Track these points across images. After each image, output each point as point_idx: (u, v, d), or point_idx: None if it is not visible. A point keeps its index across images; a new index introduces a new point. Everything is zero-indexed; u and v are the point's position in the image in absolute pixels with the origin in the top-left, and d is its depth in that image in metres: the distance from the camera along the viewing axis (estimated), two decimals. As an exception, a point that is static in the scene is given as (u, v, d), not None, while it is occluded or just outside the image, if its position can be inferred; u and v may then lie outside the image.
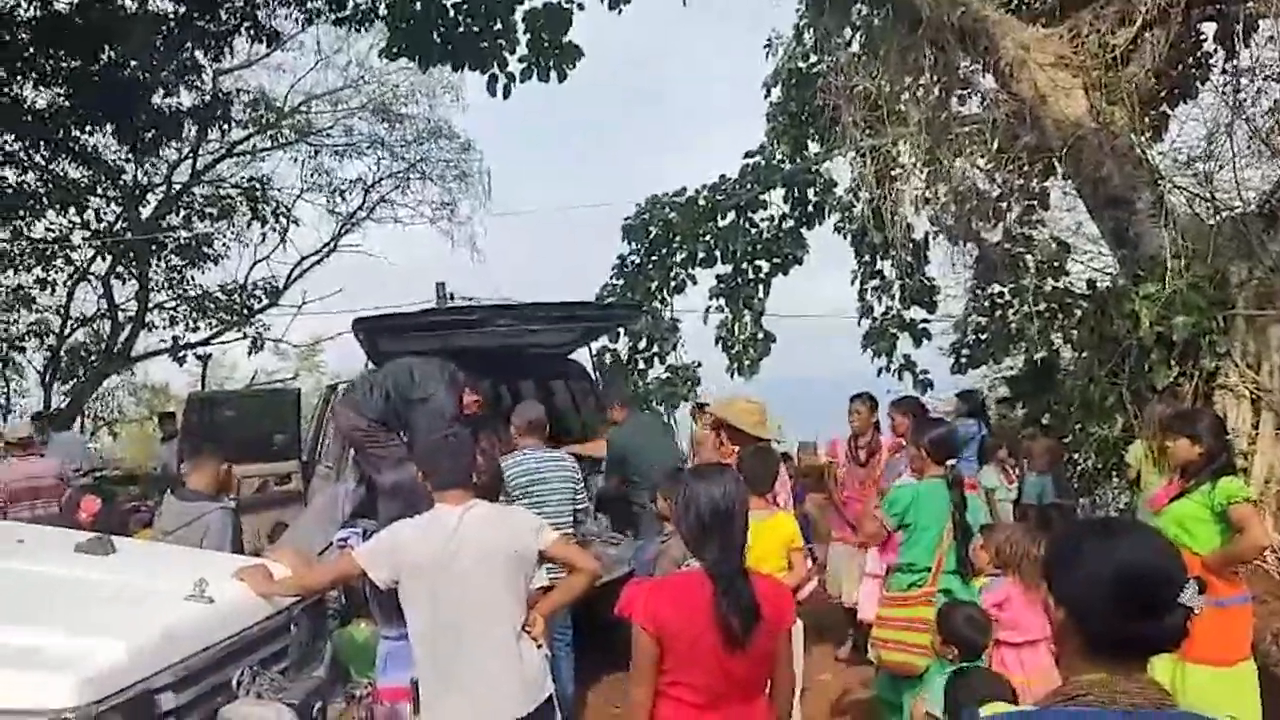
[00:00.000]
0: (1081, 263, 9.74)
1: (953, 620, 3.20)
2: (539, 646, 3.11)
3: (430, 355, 6.08)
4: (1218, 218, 7.26)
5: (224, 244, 16.74)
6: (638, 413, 6.22)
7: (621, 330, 11.30)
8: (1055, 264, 9.28)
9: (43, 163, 14.32)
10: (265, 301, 17.39)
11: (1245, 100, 7.96)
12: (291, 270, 17.93)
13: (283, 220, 17.05)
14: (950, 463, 4.03)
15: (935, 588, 3.91)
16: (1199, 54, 8.46)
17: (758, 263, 11.86)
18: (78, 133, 14.06)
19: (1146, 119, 8.11)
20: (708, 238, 11.84)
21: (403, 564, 2.97)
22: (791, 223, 11.88)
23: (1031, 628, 3.59)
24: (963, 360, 10.34)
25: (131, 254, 15.61)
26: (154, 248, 15.75)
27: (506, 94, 10.23)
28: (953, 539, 3.96)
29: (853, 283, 11.27)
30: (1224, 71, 8.05)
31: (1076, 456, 8.08)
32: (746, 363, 11.59)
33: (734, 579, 2.46)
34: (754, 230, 11.88)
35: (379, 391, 5.21)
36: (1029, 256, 9.41)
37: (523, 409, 5.23)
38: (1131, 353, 6.78)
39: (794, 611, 2.64)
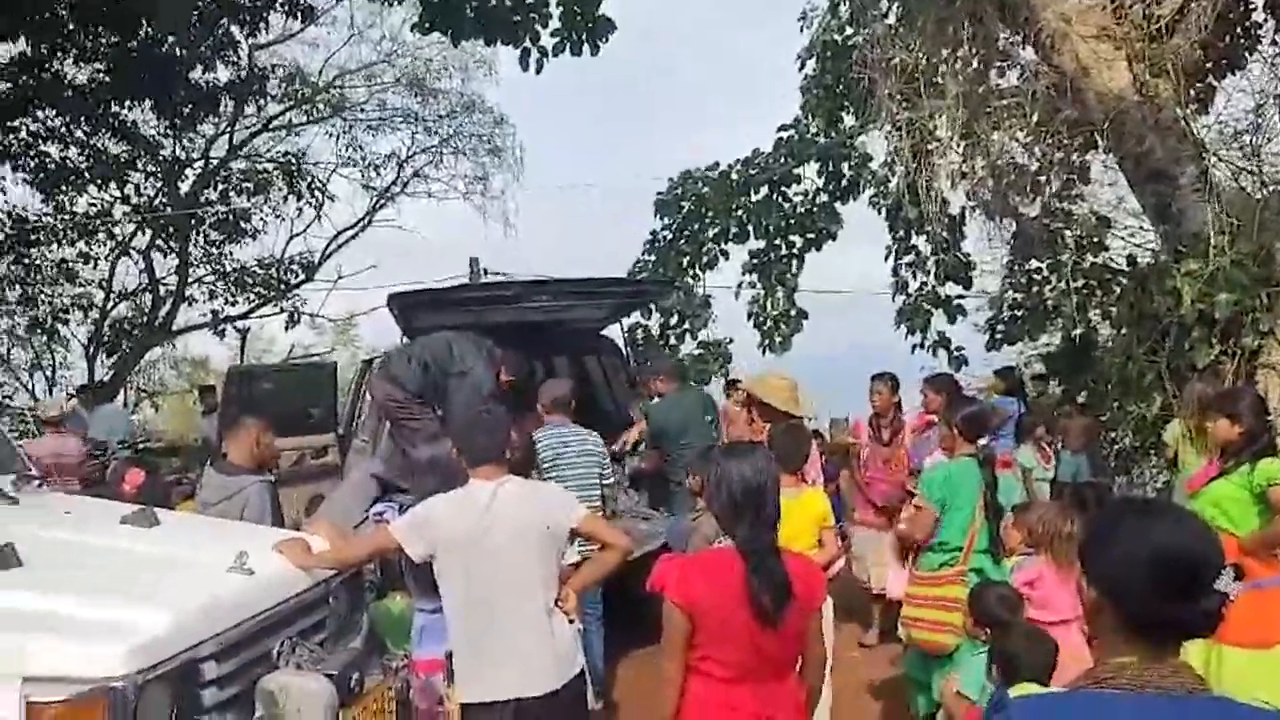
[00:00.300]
0: (1122, 238, 9.56)
1: (985, 600, 3.19)
2: (571, 621, 3.15)
3: (465, 330, 6.13)
4: (1264, 192, 7.08)
5: (261, 219, 16.99)
6: (684, 387, 6.14)
7: (653, 306, 11.29)
8: (1094, 239, 9.12)
9: (84, 138, 14.54)
10: (301, 276, 17.60)
11: (1293, 70, 7.75)
12: (326, 245, 18.13)
13: (318, 195, 17.22)
14: (982, 441, 4.00)
15: (966, 567, 3.90)
16: (1247, 24, 8.22)
17: (791, 238, 11.79)
18: (117, 108, 14.25)
19: (1192, 91, 7.91)
20: (740, 213, 11.78)
21: (437, 539, 3.02)
22: (825, 197, 11.78)
23: (1063, 607, 3.58)
24: (998, 337, 10.23)
25: (171, 228, 15.87)
26: (193, 222, 15.98)
27: (539, 68, 10.19)
28: (984, 518, 3.94)
29: (887, 258, 11.16)
30: (1273, 42, 7.83)
31: (1114, 435, 7.98)
32: (778, 339, 11.56)
33: (766, 557, 2.48)
34: (787, 205, 11.80)
35: (417, 364, 5.23)
36: (1067, 232, 9.25)
37: (549, 385, 5.28)
38: (1172, 330, 6.66)
39: (825, 590, 2.66)
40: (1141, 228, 9.16)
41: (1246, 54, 8.14)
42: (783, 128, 11.96)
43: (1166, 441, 6.00)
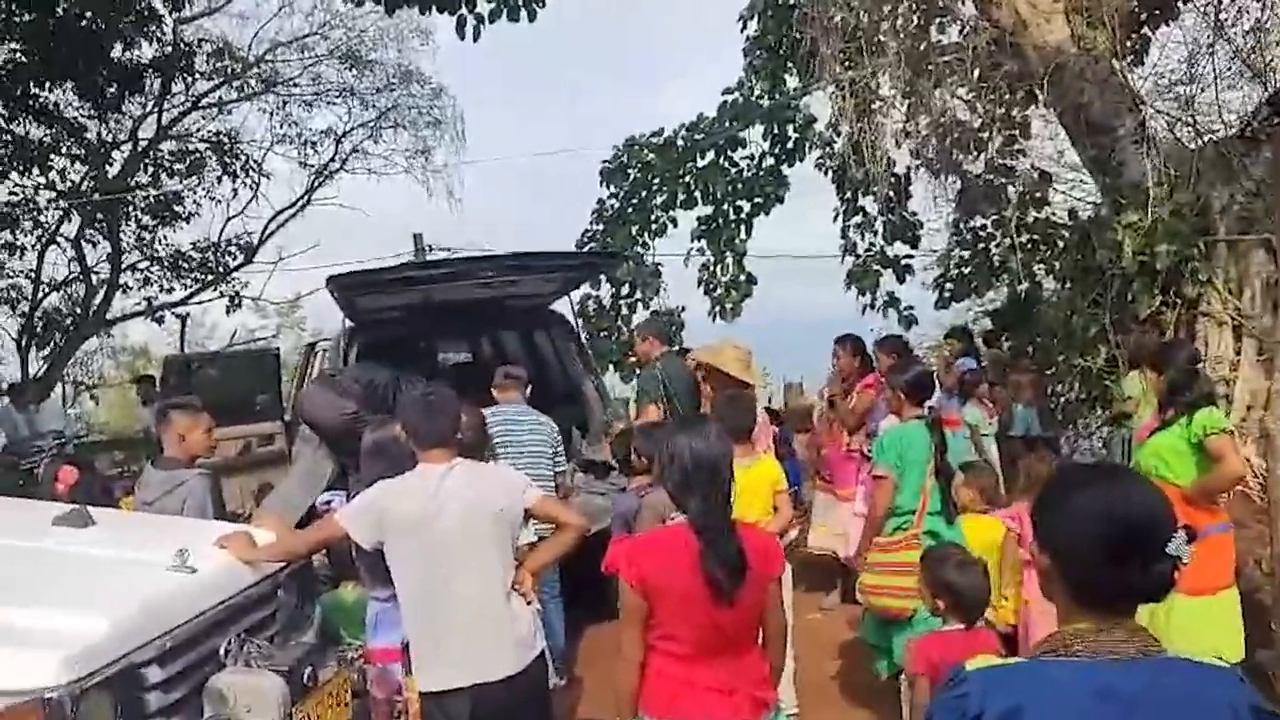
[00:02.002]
0: (1063, 193, 9.65)
1: (941, 569, 3.17)
2: (529, 603, 3.10)
3: (408, 310, 6.01)
4: (1199, 142, 7.18)
5: (195, 201, 16.47)
6: (672, 354, 6.03)
7: (603, 277, 11.20)
8: (1037, 194, 9.21)
9: (3, 122, 13.93)
10: (240, 259, 17.16)
11: (1226, 20, 7.83)
12: (265, 226, 17.67)
13: (253, 174, 16.75)
14: (929, 404, 4.00)
15: (920, 530, 3.91)
16: (1180, -28, 8.29)
17: (739, 203, 11.74)
18: (37, 90, 13.68)
19: (1128, 42, 7.97)
20: (687, 179, 11.69)
21: (386, 524, 2.94)
22: (771, 161, 11.73)
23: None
24: (946, 295, 10.32)
25: (100, 214, 15.31)
26: (123, 207, 15.44)
27: (476, 36, 9.94)
28: (935, 480, 3.96)
29: (835, 220, 11.17)
30: (1206, -10, 7.89)
31: (1060, 388, 8.11)
32: (729, 305, 11.54)
33: (720, 532, 2.44)
34: (734, 170, 11.74)
35: (360, 384, 5.04)
36: (1011, 187, 9.33)
37: (503, 368, 5.22)
38: (1114, 282, 6.76)
39: (782, 560, 2.63)
40: (1082, 181, 9.26)
41: (1180, 3, 8.20)
42: (727, 91, 11.85)
43: (1130, 395, 6.07)
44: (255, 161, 16.92)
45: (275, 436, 7.43)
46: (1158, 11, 8.41)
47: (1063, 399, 8.10)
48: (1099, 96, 7.15)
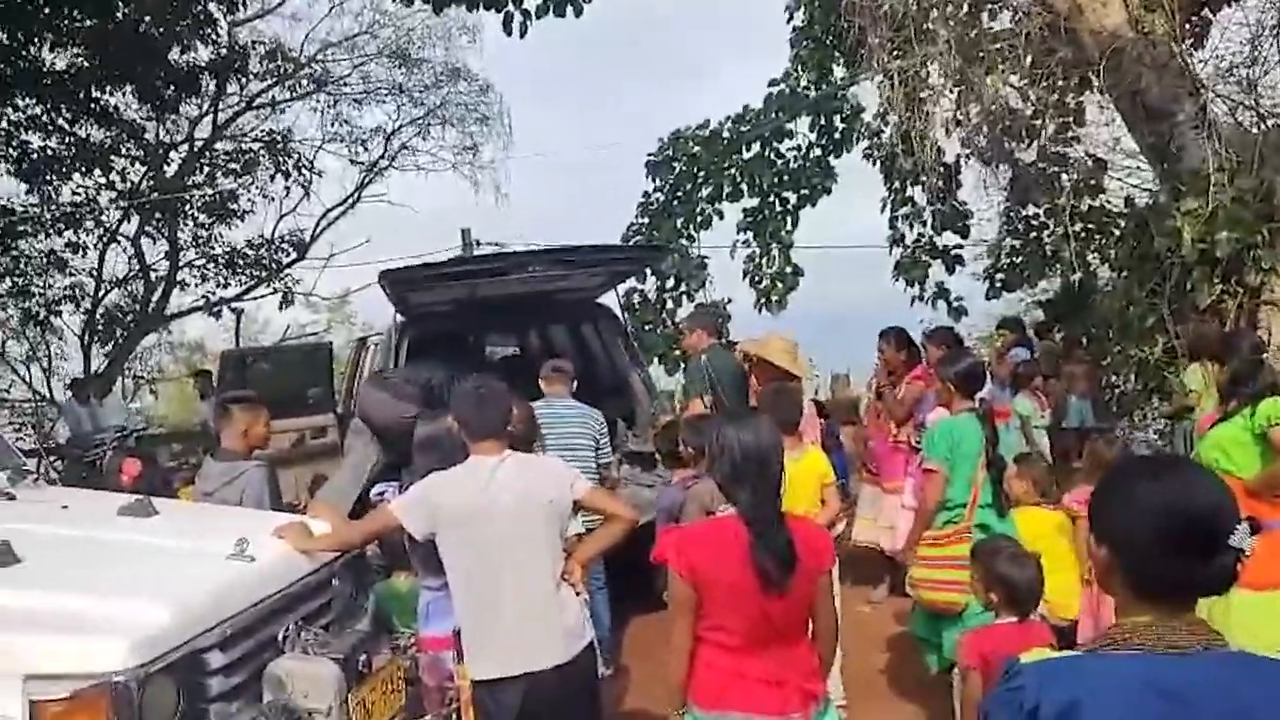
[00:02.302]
0: (1119, 180, 9.44)
1: (994, 562, 3.13)
2: (578, 594, 3.12)
3: (458, 304, 6.07)
4: (1262, 126, 6.98)
5: (249, 199, 16.79)
6: (719, 347, 5.92)
7: (649, 270, 11.21)
8: (1092, 182, 9.01)
9: (65, 125, 14.34)
10: (293, 255, 17.47)
11: (1291, 0, 7.59)
12: (317, 223, 17.99)
13: (305, 172, 17.03)
14: (980, 396, 3.94)
15: (971, 523, 3.87)
16: (1243, -47, 8.04)
17: (785, 194, 11.67)
18: (98, 93, 14.04)
19: (1187, 26, 7.75)
20: (733, 171, 11.65)
21: (438, 515, 2.98)
22: (818, 152, 11.63)
23: None
24: (997, 285, 10.15)
25: (159, 213, 15.70)
26: (180, 206, 15.82)
27: (524, 33, 10.00)
28: (986, 473, 3.90)
29: (883, 211, 11.04)
30: (1270, -29, 7.65)
31: (1115, 379, 7.94)
32: (775, 297, 11.48)
33: (770, 524, 2.44)
34: (780, 161, 11.66)
35: (414, 385, 5.12)
36: (1064, 175, 9.14)
37: (550, 361, 5.27)
38: (1172, 271, 6.59)
39: (833, 553, 2.62)
40: (1139, 168, 9.04)
41: (1243, -15, 7.96)
42: (773, 82, 11.77)
43: (1191, 387, 5.92)
44: (307, 160, 17.23)
45: (328, 429, 7.56)
46: (1221, -8, 8.18)
47: (1118, 390, 7.92)
48: (1157, 81, 6.98)
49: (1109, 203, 9.08)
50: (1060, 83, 8.35)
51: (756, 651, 2.45)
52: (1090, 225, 8.99)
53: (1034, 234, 9.73)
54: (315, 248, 17.91)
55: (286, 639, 3.03)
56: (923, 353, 5.81)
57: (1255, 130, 6.96)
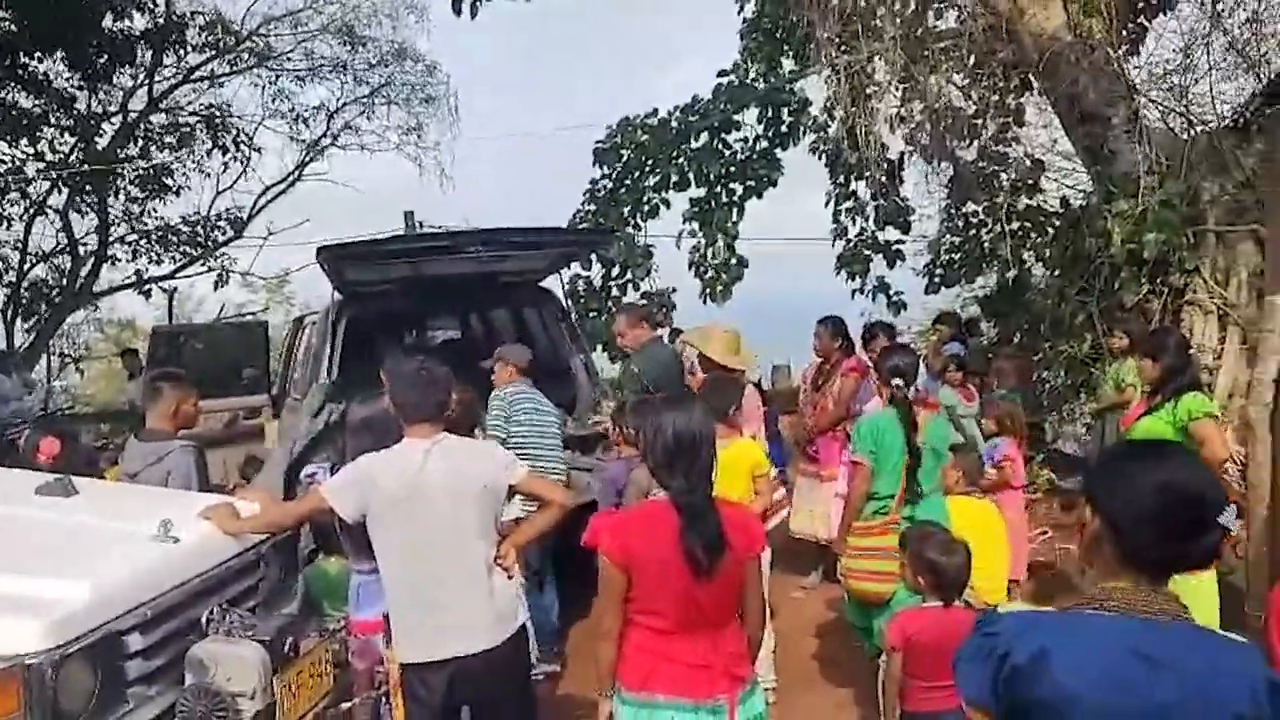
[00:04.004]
0: (1056, 180, 9.67)
1: (924, 547, 3.19)
2: (510, 578, 3.11)
3: (398, 284, 5.99)
4: (1192, 133, 7.19)
5: (184, 174, 16.24)
6: (656, 340, 5.86)
7: (595, 257, 11.18)
8: (1029, 182, 9.23)
9: (-9, 92, 13.77)
10: (230, 233, 16.99)
11: (1223, 11, 7.83)
12: (255, 200, 17.48)
13: (244, 149, 16.57)
14: (896, 383, 4.01)
15: (899, 515, 3.94)
16: (1178, -37, 8.28)
17: (731, 185, 11.72)
18: (27, 60, 13.49)
19: (1124, 31, 7.96)
20: (681, 160, 11.65)
21: (369, 498, 2.94)
22: (765, 144, 11.70)
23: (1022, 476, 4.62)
24: (936, 280, 10.34)
25: (89, 186, 15.16)
26: (112, 179, 15.28)
27: (473, 13, 9.89)
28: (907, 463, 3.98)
29: (827, 205, 11.17)
30: (1203, -20, 7.88)
31: (1046, 374, 8.15)
32: (719, 287, 11.54)
33: (700, 508, 2.46)
34: (728, 152, 11.70)
35: None
36: (1003, 175, 9.34)
37: (517, 350, 5.24)
38: (1102, 270, 6.79)
39: (763, 538, 2.65)
40: (1074, 169, 9.27)
41: (1178, -7, 8.19)
42: (722, 73, 11.81)
43: (1130, 382, 6.07)
44: (246, 136, 16.76)
45: (262, 410, 7.41)
46: (1154, 1, 8.41)
47: (1048, 385, 8.14)
48: (1093, 85, 7.16)
49: (1045, 203, 9.30)
50: (1001, 83, 8.52)
51: (685, 635, 2.47)
52: (1027, 224, 9.20)
53: (973, 231, 9.92)
54: (253, 226, 17.42)
55: (210, 621, 2.96)
56: (856, 344, 5.92)
57: (1185, 136, 7.18)
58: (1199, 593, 3.90)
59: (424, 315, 7.37)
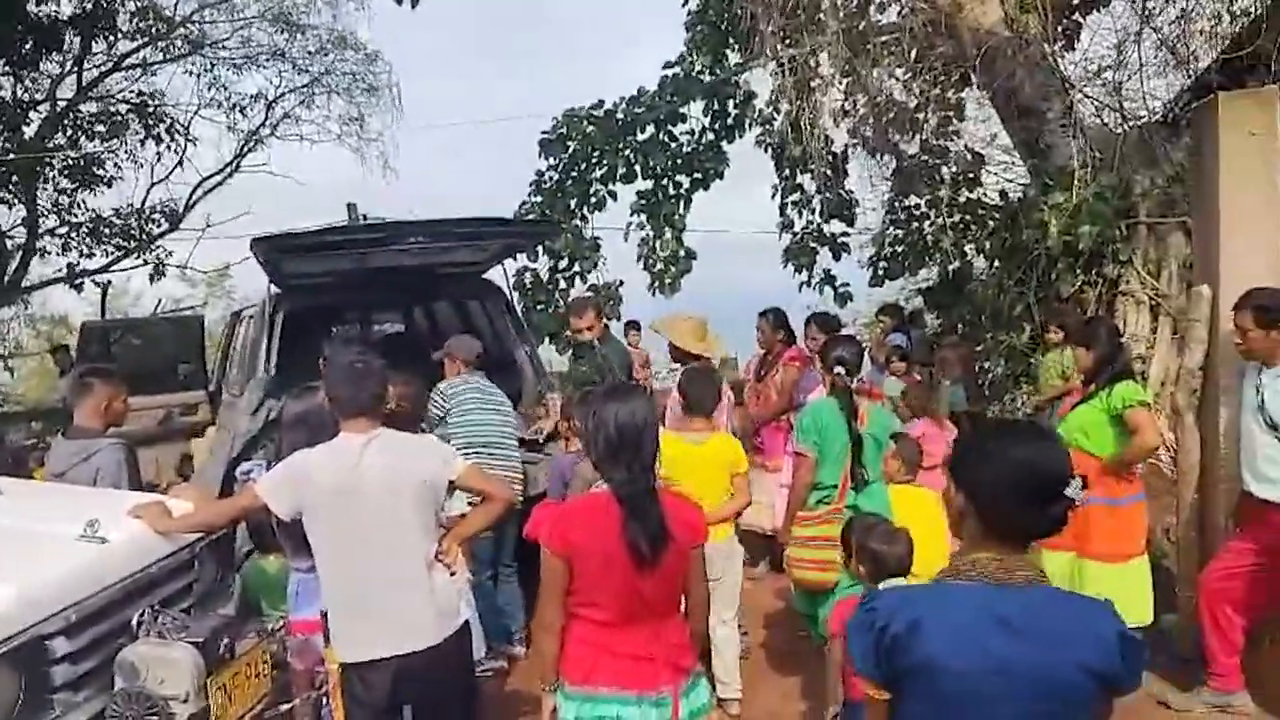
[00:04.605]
0: (995, 174, 9.87)
1: (866, 536, 3.21)
2: (453, 574, 3.06)
3: (337, 275, 5.87)
4: (1125, 127, 7.38)
5: (116, 165, 15.75)
6: (612, 337, 5.88)
7: (541, 249, 11.09)
8: (970, 175, 9.38)
9: (-90, 78, 13.21)
10: (165, 226, 16.53)
11: (1154, 9, 8.04)
12: (192, 192, 17.05)
13: (179, 139, 16.12)
14: (838, 371, 4.04)
15: (843, 504, 3.97)
16: (1111, -41, 8.47)
17: (678, 178, 11.70)
18: (-54, 45, 12.97)
19: (1059, 28, 8.13)
20: (627, 152, 11.60)
21: (304, 495, 2.87)
22: (711, 136, 11.71)
23: (938, 455, 4.40)
24: (880, 273, 10.46)
25: (15, 176, 14.62)
26: (40, 169, 14.76)
27: (415, 2, 9.74)
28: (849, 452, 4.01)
29: (773, 197, 11.21)
30: (1135, -23, 8.08)
31: (987, 364, 8.31)
32: (668, 280, 11.52)
33: (642, 500, 2.44)
34: (674, 144, 11.68)
35: None
36: (944, 168, 9.49)
37: (463, 343, 5.19)
38: (1039, 262, 6.93)
39: (705, 528, 2.64)
40: (1013, 163, 9.46)
41: (1110, -10, 8.38)
42: (668, 65, 11.78)
43: (1067, 372, 6.19)
44: (181, 125, 16.30)
45: (199, 406, 7.22)
46: (1090, -2, 8.60)
47: (990, 375, 8.30)
48: (1029, 80, 7.29)
49: (985, 196, 9.47)
50: (941, 78, 8.64)
51: (627, 627, 2.45)
52: (967, 217, 9.36)
53: (915, 224, 10.05)
54: (190, 218, 17.00)
55: (141, 624, 2.87)
56: (798, 335, 5.96)
57: (1118, 131, 7.35)
58: (1132, 576, 4.02)
59: (365, 308, 7.24)
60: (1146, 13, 7.93)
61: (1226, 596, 3.86)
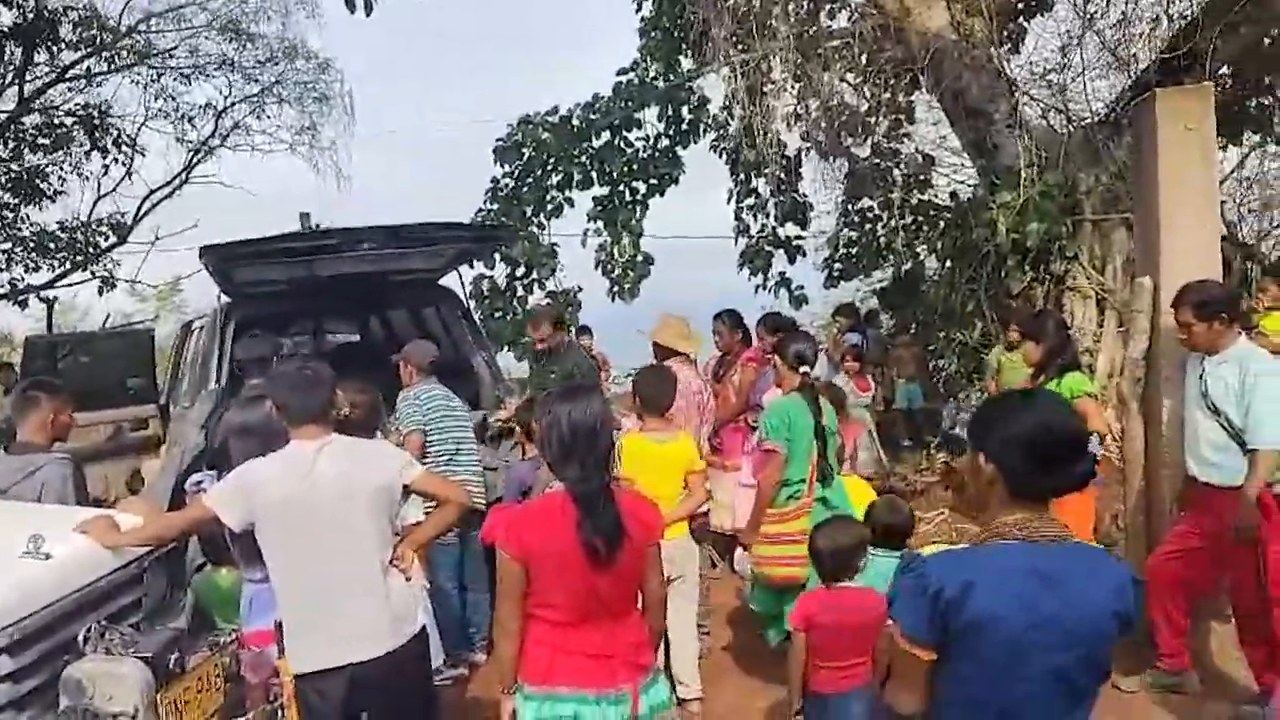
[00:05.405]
0: (946, 175, 10.03)
1: (820, 536, 3.31)
2: (409, 580, 3.04)
3: (289, 284, 5.81)
4: (1069, 127, 7.54)
5: (61, 178, 15.38)
6: (575, 345, 5.96)
7: (498, 256, 11.05)
8: (921, 177, 9.53)
9: None
10: (113, 239, 16.18)
11: (1095, 13, 8.24)
12: (140, 204, 16.72)
13: (126, 150, 15.79)
14: (804, 370, 4.08)
15: (812, 498, 4.01)
16: (1053, -36, 8.66)
17: (634, 184, 11.74)
18: (-117, 56, 12.58)
19: (1005, 31, 8.29)
20: (583, 159, 11.62)
21: (256, 504, 2.83)
22: (667, 142, 11.76)
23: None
24: (835, 274, 10.57)
25: (-45, 190, 14.25)
26: (-20, 183, 14.40)
27: (368, 10, 9.63)
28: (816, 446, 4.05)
29: (729, 201, 11.29)
30: (1075, -18, 8.28)
31: (941, 362, 8.44)
32: (626, 285, 11.54)
33: (597, 498, 2.44)
34: (629, 150, 11.71)
35: None
36: (896, 170, 9.62)
37: (418, 348, 5.16)
38: (989, 260, 7.05)
39: (661, 525, 2.64)
40: (963, 165, 9.62)
41: (1053, -6, 8.57)
42: (622, 71, 11.82)
43: (992, 365, 6.31)
44: (128, 136, 15.97)
45: (149, 420, 7.07)
46: (1033, 2, 8.79)
47: (944, 373, 8.43)
48: (976, 82, 7.43)
49: (936, 197, 9.62)
50: (891, 81, 8.77)
51: (584, 626, 2.45)
52: (919, 218, 9.50)
53: (869, 226, 10.18)
54: (139, 231, 16.66)
55: (88, 640, 2.81)
56: (754, 335, 6.00)
57: (1063, 130, 7.52)
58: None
59: (318, 316, 7.15)
60: (1088, 16, 8.13)
61: (1172, 579, 3.95)
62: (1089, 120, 7.50)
